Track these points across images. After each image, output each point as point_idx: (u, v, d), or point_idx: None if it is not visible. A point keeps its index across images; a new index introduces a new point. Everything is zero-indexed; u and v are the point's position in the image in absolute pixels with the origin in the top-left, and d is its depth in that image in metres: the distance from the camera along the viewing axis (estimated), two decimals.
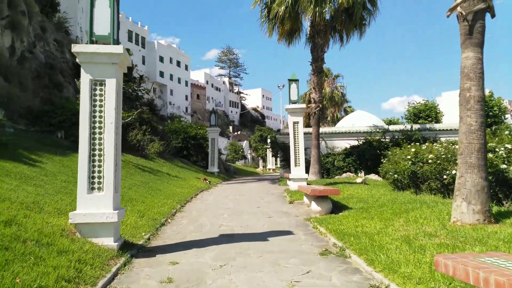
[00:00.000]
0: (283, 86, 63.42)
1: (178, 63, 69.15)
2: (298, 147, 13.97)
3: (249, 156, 60.32)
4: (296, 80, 13.96)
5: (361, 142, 22.37)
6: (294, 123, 13.98)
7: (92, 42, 5.35)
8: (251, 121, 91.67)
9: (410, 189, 12.37)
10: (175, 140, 22.88)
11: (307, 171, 15.18)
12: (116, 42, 5.47)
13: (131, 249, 5.46)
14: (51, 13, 19.81)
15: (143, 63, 61.92)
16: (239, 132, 78.52)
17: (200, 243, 6.30)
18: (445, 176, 10.12)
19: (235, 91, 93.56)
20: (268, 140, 46.43)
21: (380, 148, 21.88)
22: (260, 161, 57.02)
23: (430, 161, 10.58)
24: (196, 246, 6.09)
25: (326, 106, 48.36)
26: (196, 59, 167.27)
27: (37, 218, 5.04)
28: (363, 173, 21.24)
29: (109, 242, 5.16)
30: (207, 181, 17.34)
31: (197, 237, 6.87)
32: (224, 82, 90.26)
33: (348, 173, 19.87)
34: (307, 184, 14.10)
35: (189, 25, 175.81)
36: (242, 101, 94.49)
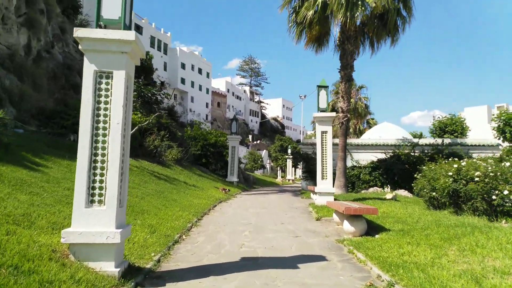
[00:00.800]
0: (304, 96, 62.38)
1: (200, 71, 69.08)
2: (325, 159, 12.90)
3: (267, 166, 59.32)
4: (325, 87, 12.96)
5: (388, 156, 21.16)
6: (323, 132, 12.94)
7: (99, 26, 4.50)
8: (271, 130, 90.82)
9: (449, 208, 11.20)
10: (194, 147, 22.08)
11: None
12: (128, 28, 4.61)
13: (136, 276, 4.52)
14: (73, 15, 19.42)
15: (165, 69, 61.94)
16: (258, 141, 77.67)
17: (219, 269, 5.32)
18: (494, 197, 8.93)
19: (256, 100, 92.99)
20: (289, 151, 45.34)
21: (409, 162, 20.63)
22: (278, 171, 55.92)
23: (476, 178, 9.39)
24: (213, 272, 5.12)
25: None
26: (218, 68, 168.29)
27: (24, 235, 4.17)
28: (389, 188, 19.97)
29: (109, 267, 4.24)
30: (226, 191, 16.40)
31: (215, 260, 5.90)
32: (245, 91, 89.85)
33: (376, 188, 18.63)
34: (334, 199, 13.01)
35: (212, 34, 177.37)
36: (263, 111, 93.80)
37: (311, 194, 16.46)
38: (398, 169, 20.22)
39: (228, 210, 12.02)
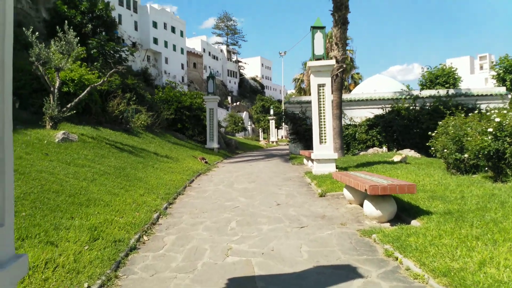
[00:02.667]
0: (284, 53, 59.13)
1: (173, 29, 64.65)
2: (323, 119, 10.61)
3: (249, 128, 57.02)
4: (322, 28, 10.43)
5: (386, 111, 19.04)
6: (319, 86, 10.55)
7: None
8: (250, 91, 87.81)
9: (481, 173, 9.25)
10: (167, 111, 19.40)
11: None
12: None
13: None
14: None
15: (136, 29, 57.48)
16: (238, 103, 74.84)
17: None
18: None
19: (233, 60, 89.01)
20: (271, 111, 42.97)
21: (410, 117, 18.61)
22: (260, 133, 53.77)
23: None
24: None
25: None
26: (193, 28, 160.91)
27: None
28: (386, 147, 18.03)
29: None
30: (204, 161, 14.05)
31: (188, 286, 3.66)
32: (221, 50, 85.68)
33: (375, 148, 16.62)
34: (337, 167, 10.86)
35: None
36: (241, 70, 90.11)
37: (304, 160, 14.30)
38: (398, 125, 18.22)
39: (208, 187, 9.72)
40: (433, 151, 10.77)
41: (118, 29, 52.18)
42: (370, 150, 16.37)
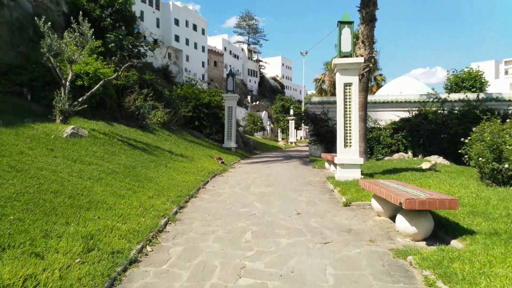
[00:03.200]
0: (306, 52, 58.36)
1: (195, 27, 64.62)
2: (349, 120, 9.85)
3: (268, 128, 56.37)
4: (350, 23, 9.67)
5: (413, 114, 18.05)
6: (346, 85, 9.79)
7: None
8: (270, 91, 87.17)
9: None
10: (185, 108, 18.91)
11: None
12: None
13: None
14: None
15: (157, 26, 57.63)
16: (257, 102, 74.32)
17: None
18: None
19: (254, 59, 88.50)
20: (291, 111, 42.18)
21: (438, 122, 17.60)
22: (279, 133, 53.01)
23: None
24: None
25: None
26: (215, 27, 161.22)
27: None
28: (410, 153, 17.08)
29: None
30: (221, 161, 13.47)
31: None
32: (242, 49, 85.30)
33: (401, 154, 15.70)
34: (362, 174, 10.10)
35: None
36: (261, 70, 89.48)
37: (326, 164, 13.54)
38: (425, 130, 17.23)
39: (224, 189, 9.10)
40: (466, 159, 9.86)
41: (140, 25, 52.45)
42: (396, 155, 15.47)
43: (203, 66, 66.22)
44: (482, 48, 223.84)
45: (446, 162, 13.96)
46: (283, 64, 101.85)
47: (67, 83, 9.55)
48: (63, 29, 18.23)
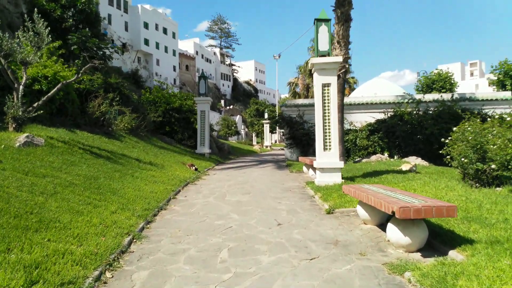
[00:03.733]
0: (279, 56, 58.24)
1: (165, 30, 63.46)
2: (328, 123, 9.39)
3: (242, 132, 55.78)
4: (327, 21, 9.22)
5: (388, 116, 17.91)
6: (324, 86, 9.33)
7: None
8: (244, 95, 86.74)
9: (507, 186, 8.15)
10: (154, 113, 18.05)
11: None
12: None
13: None
14: None
15: (126, 29, 56.15)
16: (231, 106, 73.73)
17: None
18: None
19: (227, 63, 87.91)
20: (266, 115, 41.77)
21: (413, 122, 17.52)
22: (254, 136, 52.51)
23: None
24: None
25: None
26: (187, 31, 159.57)
27: None
28: (387, 154, 16.90)
29: None
30: (194, 168, 12.76)
31: None
32: (214, 53, 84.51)
33: (378, 155, 15.45)
34: (343, 177, 9.66)
35: None
36: (234, 74, 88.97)
37: (304, 168, 13.06)
38: (402, 131, 17.11)
39: (196, 199, 8.43)
40: (448, 159, 9.59)
41: (108, 29, 50.89)
42: (373, 157, 15.20)
43: (174, 70, 65.07)
44: (447, 51, 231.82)
45: (425, 163, 13.77)
46: (256, 68, 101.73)
47: (21, 87, 8.64)
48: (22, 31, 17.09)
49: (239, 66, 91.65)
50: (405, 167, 11.60)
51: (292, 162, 17.04)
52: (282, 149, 44.87)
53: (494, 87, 31.83)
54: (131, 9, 56.52)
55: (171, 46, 64.66)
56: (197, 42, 78.57)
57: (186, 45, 75.73)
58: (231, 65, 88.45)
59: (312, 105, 20.45)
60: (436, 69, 44.05)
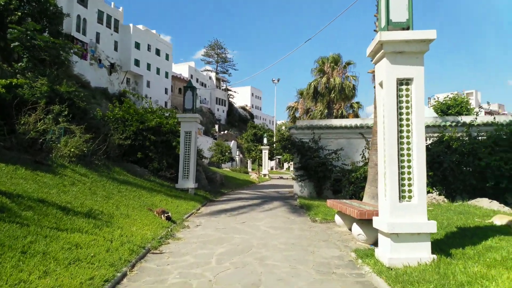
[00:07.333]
0: (278, 80, 54.86)
1: (158, 52, 60.09)
2: (408, 148, 5.06)
3: (237, 158, 51.26)
4: None
5: (431, 142, 13.72)
6: (401, 82, 5.04)
7: None
8: (239, 120, 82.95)
9: None
10: (121, 134, 13.59)
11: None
12: None
13: None
14: None
15: (115, 49, 52.61)
16: (226, 132, 69.55)
17: None
18: None
19: (223, 88, 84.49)
20: (265, 140, 37.50)
21: (464, 151, 13.32)
22: (249, 163, 48.03)
23: None
24: None
25: (333, 100, 39.59)
26: (184, 57, 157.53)
27: None
28: (435, 193, 12.63)
29: None
30: (166, 216, 8.22)
31: None
32: (210, 78, 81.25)
33: (432, 196, 11.04)
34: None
35: (178, 23, 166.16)
36: (230, 99, 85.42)
37: (337, 218, 8.48)
38: (450, 161, 12.85)
39: None
40: None
41: (96, 48, 47.08)
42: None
43: (166, 92, 61.24)
44: (441, 81, 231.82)
45: (507, 209, 9.40)
46: (252, 94, 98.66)
47: None
48: None
49: (235, 92, 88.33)
50: (498, 220, 7.28)
51: (307, 202, 12.54)
52: (282, 178, 40.48)
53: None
54: (122, 28, 53.17)
55: (164, 68, 61.14)
56: (192, 66, 75.32)
57: (181, 69, 72.60)
58: (227, 90, 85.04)
59: (331, 127, 16.34)
60: (452, 93, 40.44)
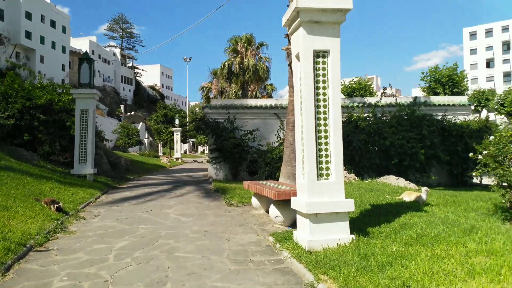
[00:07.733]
0: (190, 59, 52.99)
1: (53, 23, 53.94)
2: (325, 124, 4.75)
3: (146, 141, 48.86)
4: None
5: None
6: (318, 54, 4.66)
7: None
8: (148, 101, 78.98)
9: None
10: (1, 113, 11.54)
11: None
12: None
13: None
14: None
15: (1, 19, 45.92)
16: (133, 113, 65.83)
17: None
18: None
19: (129, 65, 79.45)
20: (177, 121, 36.00)
21: (370, 131, 13.96)
22: (159, 147, 46.10)
23: None
24: None
25: (247, 81, 39.46)
26: (84, 32, 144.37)
27: None
28: (345, 172, 12.96)
29: None
30: (56, 207, 7.05)
31: None
32: (114, 54, 75.69)
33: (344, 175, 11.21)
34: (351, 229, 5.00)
35: None
36: (137, 78, 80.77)
37: (253, 200, 8.07)
38: (359, 141, 13.36)
39: None
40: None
41: None
42: None
43: (63, 69, 55.58)
44: (355, 64, 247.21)
45: (412, 185, 9.93)
46: (162, 73, 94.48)
47: None
48: None
49: (143, 70, 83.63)
50: (407, 197, 7.55)
51: (223, 185, 12.03)
52: (196, 161, 39.35)
53: (424, 94, 30.82)
54: None
55: (61, 41, 55.19)
56: (93, 40, 69.22)
57: (81, 44, 66.22)
58: (133, 67, 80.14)
59: (246, 107, 15.87)
60: (356, 77, 42.90)
